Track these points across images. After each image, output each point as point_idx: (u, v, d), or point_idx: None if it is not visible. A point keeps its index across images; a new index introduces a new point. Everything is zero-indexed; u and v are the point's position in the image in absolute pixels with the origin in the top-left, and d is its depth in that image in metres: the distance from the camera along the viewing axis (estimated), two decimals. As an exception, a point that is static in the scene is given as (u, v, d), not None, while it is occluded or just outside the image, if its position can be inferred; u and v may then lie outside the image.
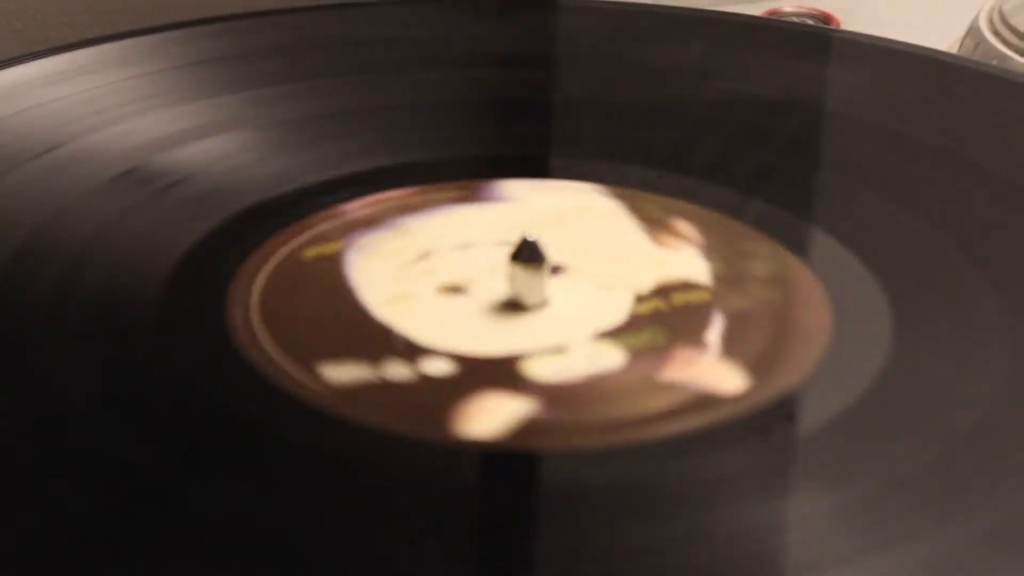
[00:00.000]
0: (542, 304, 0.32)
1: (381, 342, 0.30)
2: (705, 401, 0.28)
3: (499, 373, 0.29)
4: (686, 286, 0.32)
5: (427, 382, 0.29)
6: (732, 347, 0.30)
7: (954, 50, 0.49)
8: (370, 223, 0.35)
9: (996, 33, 0.47)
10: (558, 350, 0.30)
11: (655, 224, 0.35)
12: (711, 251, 0.34)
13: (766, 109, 0.41)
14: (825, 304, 0.32)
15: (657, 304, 0.32)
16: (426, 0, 0.48)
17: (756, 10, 0.55)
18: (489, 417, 0.28)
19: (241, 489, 0.26)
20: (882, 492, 0.26)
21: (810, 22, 0.54)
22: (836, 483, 0.26)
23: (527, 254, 0.31)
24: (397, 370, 0.29)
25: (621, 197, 0.36)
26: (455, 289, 0.32)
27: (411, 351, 0.30)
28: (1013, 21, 0.47)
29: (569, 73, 0.44)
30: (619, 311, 0.31)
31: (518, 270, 0.32)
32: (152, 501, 0.25)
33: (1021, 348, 0.30)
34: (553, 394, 0.29)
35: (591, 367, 0.29)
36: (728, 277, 0.33)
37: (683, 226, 0.34)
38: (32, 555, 0.24)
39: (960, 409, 0.28)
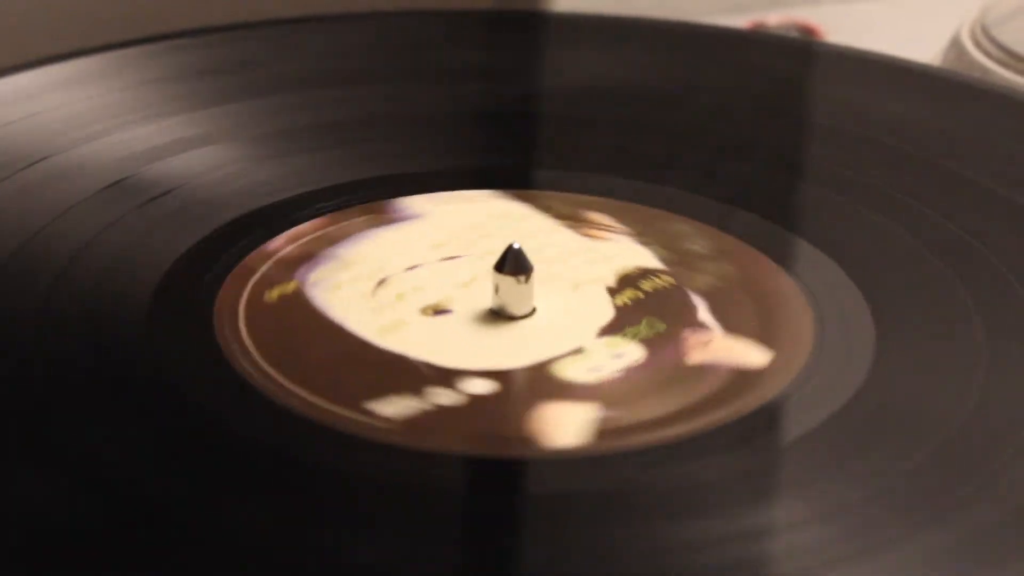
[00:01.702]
0: (529, 312, 0.32)
1: (408, 372, 0.30)
2: (746, 378, 0.29)
3: (540, 386, 0.29)
4: (645, 273, 0.33)
5: (479, 402, 0.29)
6: (730, 323, 0.31)
7: (937, 62, 0.49)
8: (307, 259, 0.34)
9: (978, 46, 0.47)
10: (577, 352, 0.30)
11: (572, 219, 0.35)
12: (641, 237, 0.34)
13: (750, 121, 0.41)
14: (808, 313, 0.32)
15: (633, 294, 0.32)
16: (409, 13, 0.48)
17: (740, 22, 0.55)
18: (563, 429, 0.28)
19: (236, 502, 0.26)
20: (867, 498, 0.26)
21: (794, 35, 0.54)
22: (820, 490, 0.26)
23: (513, 264, 0.32)
24: (443, 395, 0.29)
25: (525, 199, 0.37)
26: (438, 309, 0.32)
27: (442, 375, 0.30)
28: (995, 34, 0.47)
29: (554, 86, 0.44)
30: (603, 307, 0.32)
31: (506, 280, 0.32)
32: (139, 507, 0.25)
33: (1002, 356, 0.30)
34: (606, 395, 0.29)
35: (620, 363, 0.30)
36: (675, 259, 0.33)
37: (599, 217, 0.35)
38: (21, 557, 0.24)
39: (942, 417, 0.28)
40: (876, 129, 0.40)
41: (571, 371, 0.30)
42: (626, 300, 0.32)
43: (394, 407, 0.29)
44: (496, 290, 0.32)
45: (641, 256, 0.34)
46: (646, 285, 0.32)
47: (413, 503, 0.26)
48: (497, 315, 0.32)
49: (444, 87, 0.43)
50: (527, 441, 0.28)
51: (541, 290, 0.32)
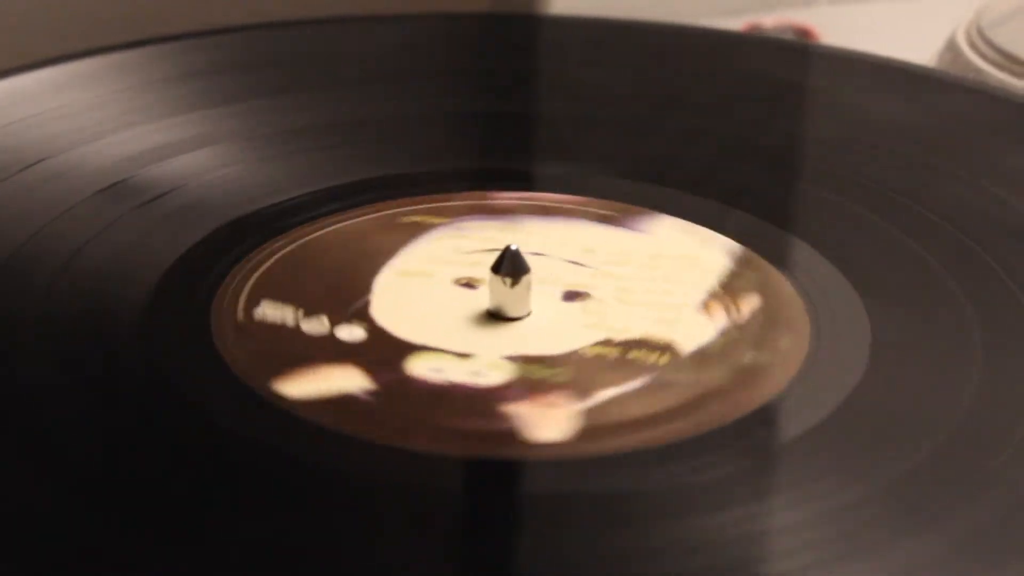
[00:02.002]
0: (522, 317, 0.32)
1: (344, 301, 0.32)
2: (505, 437, 0.28)
3: (385, 356, 0.30)
4: (661, 348, 0.31)
5: (324, 340, 0.30)
6: (607, 409, 0.29)
7: (932, 64, 0.49)
8: (497, 213, 0.36)
9: (973, 47, 0.47)
10: (464, 356, 0.30)
11: (730, 295, 0.33)
12: (735, 330, 0.32)
13: (747, 122, 0.41)
14: (804, 315, 0.32)
15: (609, 352, 0.31)
16: (408, 16, 0.48)
17: (736, 24, 0.55)
18: (312, 383, 0.29)
19: (234, 501, 0.26)
20: (865, 498, 0.26)
21: (790, 36, 0.54)
22: (819, 490, 0.26)
23: (508, 266, 0.32)
24: (317, 324, 0.31)
25: (745, 262, 0.34)
26: (469, 284, 0.33)
27: (355, 313, 0.31)
28: (990, 36, 0.47)
29: (552, 87, 0.44)
30: (567, 344, 0.31)
31: (496, 280, 0.32)
32: (138, 506, 0.25)
33: (999, 356, 0.30)
34: (392, 386, 0.29)
35: (464, 378, 0.30)
36: (716, 354, 0.31)
37: (747, 303, 0.33)
38: (20, 557, 0.24)
39: (940, 417, 0.28)
40: (872, 131, 0.40)
41: (419, 363, 0.30)
42: (597, 352, 0.31)
43: (267, 311, 0.31)
44: (489, 287, 0.32)
45: (699, 340, 0.31)
46: (635, 354, 0.31)
47: (412, 504, 0.26)
48: (492, 311, 0.32)
49: (443, 87, 0.43)
50: (267, 379, 0.29)
51: (565, 312, 0.32)
